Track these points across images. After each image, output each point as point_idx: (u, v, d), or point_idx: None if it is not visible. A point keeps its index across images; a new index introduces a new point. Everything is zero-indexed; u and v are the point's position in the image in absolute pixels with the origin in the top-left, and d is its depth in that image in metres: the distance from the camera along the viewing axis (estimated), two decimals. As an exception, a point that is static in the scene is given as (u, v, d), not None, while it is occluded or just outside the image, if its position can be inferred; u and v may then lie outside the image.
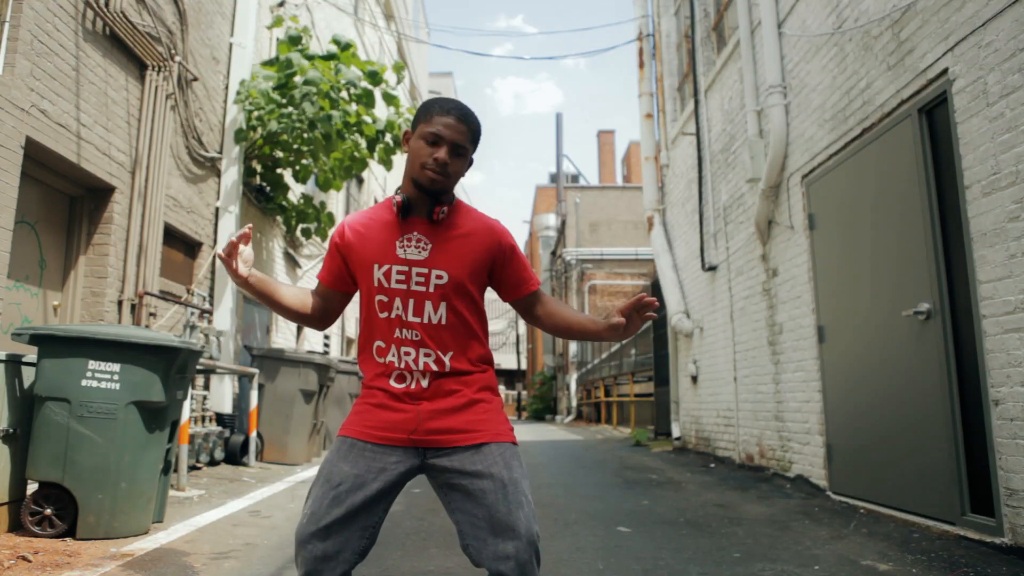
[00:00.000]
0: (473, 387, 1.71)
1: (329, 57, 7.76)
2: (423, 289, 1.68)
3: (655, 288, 11.41)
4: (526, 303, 1.82)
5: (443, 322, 1.68)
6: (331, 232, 10.79)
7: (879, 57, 4.56)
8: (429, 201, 1.71)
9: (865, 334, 4.77)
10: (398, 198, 1.70)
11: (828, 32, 5.22)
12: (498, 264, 1.76)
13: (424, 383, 1.67)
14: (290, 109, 7.36)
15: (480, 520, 1.61)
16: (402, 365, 1.68)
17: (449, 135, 1.65)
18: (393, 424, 1.66)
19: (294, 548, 1.63)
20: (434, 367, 1.67)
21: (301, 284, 10.53)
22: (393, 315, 1.68)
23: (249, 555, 3.28)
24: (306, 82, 7.23)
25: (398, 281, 1.68)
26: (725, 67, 7.68)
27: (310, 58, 7.57)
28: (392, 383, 1.68)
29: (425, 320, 1.67)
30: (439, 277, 1.67)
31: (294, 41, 7.71)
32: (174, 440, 3.97)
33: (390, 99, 8.26)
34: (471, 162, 1.76)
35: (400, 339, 1.68)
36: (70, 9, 4.95)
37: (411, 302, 1.67)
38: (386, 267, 1.68)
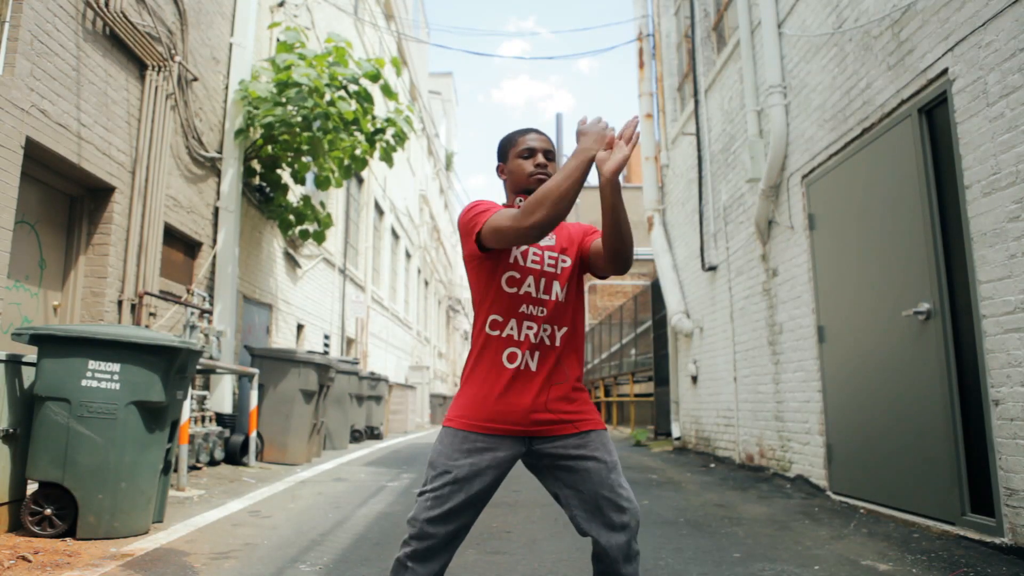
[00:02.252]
0: (571, 379, 1.90)
1: (324, 56, 7.76)
2: (553, 271, 1.91)
3: (655, 288, 11.42)
4: (597, 248, 1.95)
5: (565, 300, 1.91)
6: (328, 233, 10.72)
7: (879, 57, 4.56)
8: None
9: (865, 334, 4.77)
10: (524, 196, 1.93)
11: (828, 32, 5.22)
12: (586, 239, 1.99)
13: (533, 365, 1.84)
14: (287, 108, 7.37)
15: (587, 495, 1.81)
16: (521, 338, 1.85)
17: (539, 145, 1.96)
18: (502, 416, 1.82)
19: (412, 524, 1.76)
20: (547, 341, 1.87)
21: (301, 283, 10.54)
22: (522, 291, 1.87)
23: (249, 555, 3.27)
24: (294, 82, 7.24)
25: (533, 261, 1.90)
26: (725, 67, 7.68)
27: (305, 57, 7.56)
28: (504, 361, 1.84)
29: (552, 297, 1.89)
30: (564, 261, 1.94)
31: (291, 41, 7.71)
32: (174, 440, 3.96)
33: (389, 94, 8.26)
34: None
35: (525, 314, 1.86)
36: (70, 9, 4.95)
37: (542, 281, 1.89)
38: (523, 247, 1.89)
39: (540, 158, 1.94)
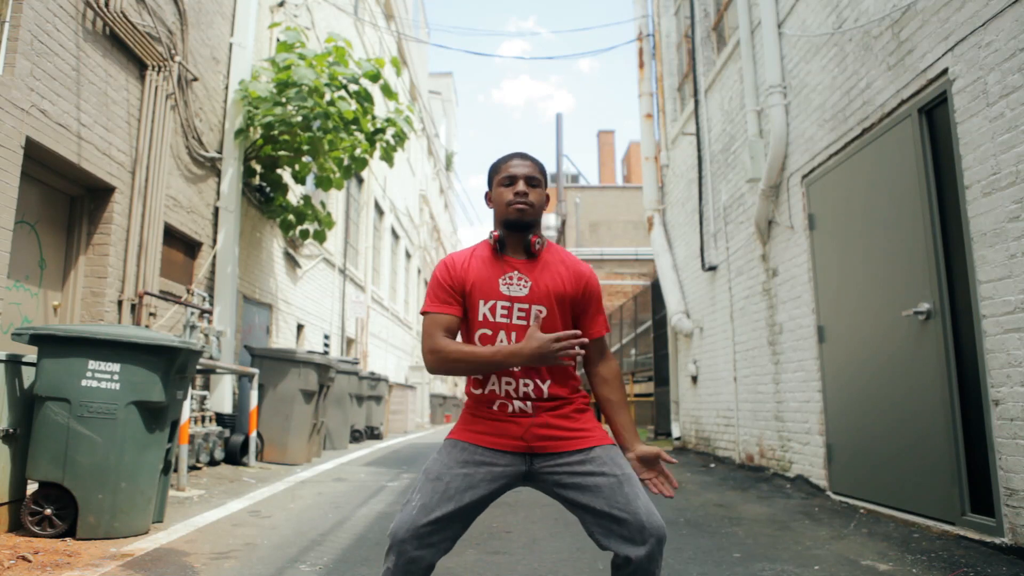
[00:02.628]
0: (572, 405, 1.86)
1: (324, 55, 7.77)
2: (524, 323, 1.82)
3: (655, 288, 11.41)
4: (588, 348, 1.93)
5: None
6: (329, 234, 10.70)
7: (879, 57, 4.56)
8: (523, 238, 1.89)
9: (865, 334, 4.77)
10: (495, 233, 1.88)
11: (828, 32, 5.22)
12: (579, 303, 1.92)
13: (529, 410, 1.81)
14: (287, 108, 7.37)
15: (601, 510, 1.72)
16: (502, 394, 1.82)
17: (521, 171, 1.87)
18: (503, 431, 1.81)
19: (393, 537, 1.73)
20: (533, 395, 1.82)
21: (301, 283, 10.54)
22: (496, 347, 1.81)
23: (249, 555, 3.28)
24: (294, 82, 7.25)
25: (502, 316, 1.82)
26: (725, 67, 7.68)
27: (305, 57, 7.56)
28: (496, 410, 1.83)
29: None
30: (539, 312, 1.83)
31: (291, 41, 7.72)
32: (174, 440, 3.96)
33: (389, 94, 8.26)
34: (547, 197, 1.94)
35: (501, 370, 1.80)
36: (70, 9, 4.95)
37: (513, 335, 1.82)
38: (491, 303, 1.83)
39: (520, 185, 1.85)
